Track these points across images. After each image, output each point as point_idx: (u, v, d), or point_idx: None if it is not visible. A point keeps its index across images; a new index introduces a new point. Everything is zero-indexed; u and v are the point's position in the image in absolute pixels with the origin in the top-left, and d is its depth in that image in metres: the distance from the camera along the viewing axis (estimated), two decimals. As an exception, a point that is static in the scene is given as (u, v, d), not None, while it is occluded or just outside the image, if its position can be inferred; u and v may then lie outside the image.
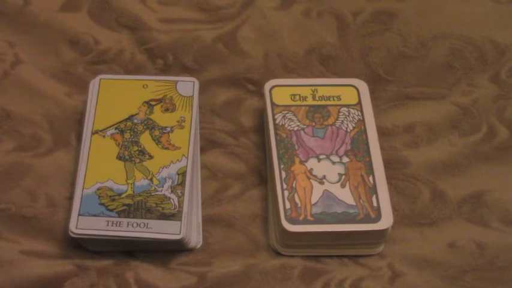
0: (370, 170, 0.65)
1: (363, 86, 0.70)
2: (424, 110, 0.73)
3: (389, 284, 0.63)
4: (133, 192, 0.63)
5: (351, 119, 0.68)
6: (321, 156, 0.65)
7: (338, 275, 0.63)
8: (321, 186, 0.64)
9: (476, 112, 0.73)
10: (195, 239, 0.64)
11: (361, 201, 0.63)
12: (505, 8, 0.80)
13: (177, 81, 0.70)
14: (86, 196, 0.63)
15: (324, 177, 0.64)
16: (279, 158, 0.65)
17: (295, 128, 0.67)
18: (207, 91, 0.73)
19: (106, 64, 0.75)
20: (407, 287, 0.63)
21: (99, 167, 0.64)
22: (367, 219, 0.62)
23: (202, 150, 0.70)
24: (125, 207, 0.62)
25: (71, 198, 0.65)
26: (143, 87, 0.69)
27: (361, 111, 0.68)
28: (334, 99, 0.69)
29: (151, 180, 0.64)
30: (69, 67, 0.74)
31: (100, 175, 0.64)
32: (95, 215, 0.62)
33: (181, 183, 0.64)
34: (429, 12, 0.79)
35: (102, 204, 0.62)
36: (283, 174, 0.64)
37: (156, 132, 0.67)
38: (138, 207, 0.62)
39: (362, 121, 0.68)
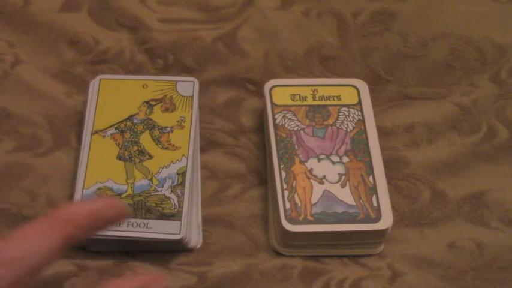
0: (370, 170, 0.65)
1: (363, 86, 0.70)
2: (424, 110, 0.73)
3: (389, 284, 0.63)
4: (133, 192, 0.63)
5: (351, 119, 0.68)
6: (321, 156, 0.65)
7: (338, 275, 0.63)
8: (321, 186, 0.64)
9: (476, 112, 0.73)
10: (195, 239, 0.64)
11: (361, 201, 0.63)
12: (505, 8, 0.80)
13: (177, 81, 0.70)
14: (86, 196, 0.63)
15: (324, 177, 0.64)
16: (279, 158, 0.65)
17: (295, 128, 0.67)
18: (207, 91, 0.73)
19: (106, 64, 0.75)
20: (407, 287, 0.63)
21: (99, 167, 0.64)
22: (367, 219, 0.62)
23: (202, 150, 0.70)
24: (124, 207, 0.62)
25: (71, 198, 0.65)
26: (143, 87, 0.69)
27: (361, 111, 0.68)
28: (334, 99, 0.69)
29: (151, 180, 0.64)
30: (69, 67, 0.74)
31: (100, 175, 0.64)
32: (95, 215, 0.62)
33: (181, 183, 0.64)
34: (429, 12, 0.79)
35: (102, 204, 0.62)
36: (283, 174, 0.64)
37: (156, 132, 0.67)
38: (138, 207, 0.62)
39: (362, 121, 0.68)
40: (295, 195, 0.63)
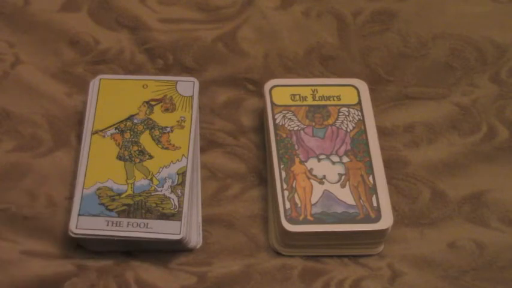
0: (370, 170, 0.65)
1: (363, 86, 0.70)
2: (424, 110, 0.73)
3: (389, 284, 0.63)
4: (133, 192, 0.63)
5: (351, 119, 0.68)
6: (321, 156, 0.65)
7: (338, 275, 0.63)
8: (321, 186, 0.64)
9: (476, 112, 0.73)
10: (195, 239, 0.64)
11: (361, 201, 0.63)
12: (505, 8, 0.80)
13: (177, 81, 0.70)
14: (86, 196, 0.63)
15: (324, 177, 0.64)
16: (279, 158, 0.65)
17: (295, 128, 0.67)
18: (207, 91, 0.73)
19: (106, 64, 0.75)
20: (407, 287, 0.63)
21: (99, 167, 0.64)
22: (367, 219, 0.62)
23: (202, 150, 0.70)
24: (124, 207, 0.62)
25: (71, 198, 0.65)
26: (143, 87, 0.69)
27: (361, 111, 0.68)
28: (334, 99, 0.69)
29: (151, 180, 0.64)
30: (69, 67, 0.74)
31: (100, 175, 0.64)
32: (95, 215, 0.62)
33: (181, 183, 0.64)
34: (429, 12, 0.79)
35: (102, 204, 0.62)
36: (283, 174, 0.64)
37: (156, 132, 0.67)
38: (138, 207, 0.62)
39: (362, 121, 0.68)
40: (295, 195, 0.63)
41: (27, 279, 0.62)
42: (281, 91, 0.69)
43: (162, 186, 0.64)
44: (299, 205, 0.63)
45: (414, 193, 0.68)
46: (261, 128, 0.72)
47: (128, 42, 0.76)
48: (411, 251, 0.65)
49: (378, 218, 0.62)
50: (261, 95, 0.72)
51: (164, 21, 0.78)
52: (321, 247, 0.64)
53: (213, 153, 0.70)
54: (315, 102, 0.69)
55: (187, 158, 0.65)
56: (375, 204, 0.63)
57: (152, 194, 0.63)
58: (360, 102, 0.69)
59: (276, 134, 0.66)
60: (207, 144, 0.70)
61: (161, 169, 0.64)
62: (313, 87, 0.70)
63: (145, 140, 0.66)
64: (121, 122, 0.67)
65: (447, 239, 0.65)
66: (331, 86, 0.70)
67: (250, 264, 0.64)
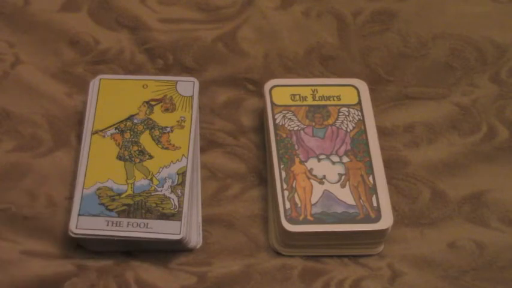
0: (370, 170, 0.65)
1: (363, 86, 0.70)
2: (424, 110, 0.73)
3: (389, 284, 0.63)
4: (133, 192, 0.63)
5: (351, 119, 0.68)
6: (321, 156, 0.65)
7: (338, 275, 0.63)
8: (321, 186, 0.64)
9: (476, 112, 0.73)
10: (195, 239, 0.64)
11: (361, 201, 0.63)
12: (505, 8, 0.80)
13: (177, 81, 0.70)
14: (86, 196, 0.63)
15: (324, 177, 0.64)
16: (279, 158, 0.65)
17: (295, 128, 0.67)
18: (207, 91, 0.73)
19: (106, 64, 0.75)
20: (407, 287, 0.63)
21: (99, 167, 0.64)
22: (367, 219, 0.62)
23: (202, 150, 0.70)
24: (124, 207, 0.62)
25: (71, 198, 0.65)
26: (143, 87, 0.69)
27: (361, 111, 0.68)
28: (334, 99, 0.69)
29: (151, 180, 0.64)
30: (69, 67, 0.74)
31: (100, 175, 0.64)
32: (95, 215, 0.62)
33: (181, 183, 0.64)
34: (429, 12, 0.79)
35: (102, 204, 0.62)
36: (283, 174, 0.64)
37: (156, 132, 0.67)
38: (138, 207, 0.62)
39: (362, 121, 0.68)
40: (295, 195, 0.63)
41: (27, 279, 0.62)
42: (281, 91, 0.69)
43: (162, 186, 0.64)
44: (299, 205, 0.63)
45: (414, 193, 0.68)
46: (261, 128, 0.72)
47: (128, 42, 0.76)
48: (411, 251, 0.65)
49: (378, 218, 0.62)
50: (261, 95, 0.72)
51: (164, 21, 0.78)
52: (321, 247, 0.64)
53: (213, 153, 0.70)
54: (315, 102, 0.69)
55: (187, 158, 0.65)
56: (375, 204, 0.63)
57: (152, 194, 0.63)
58: (360, 102, 0.69)
59: (276, 134, 0.66)
60: (207, 144, 0.70)
61: (161, 169, 0.64)
62: (313, 87, 0.70)
63: (145, 140, 0.66)
64: (121, 122, 0.67)
65: (447, 239, 0.65)
66: (331, 86, 0.70)
67: (250, 264, 0.64)
